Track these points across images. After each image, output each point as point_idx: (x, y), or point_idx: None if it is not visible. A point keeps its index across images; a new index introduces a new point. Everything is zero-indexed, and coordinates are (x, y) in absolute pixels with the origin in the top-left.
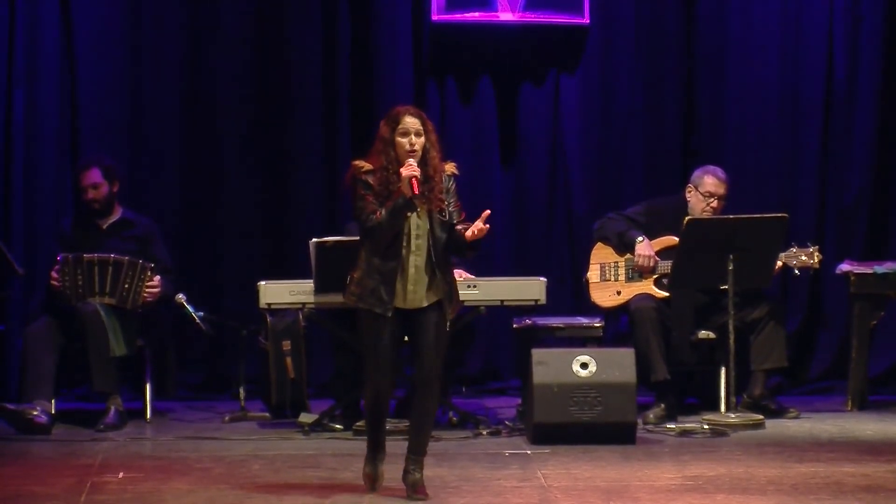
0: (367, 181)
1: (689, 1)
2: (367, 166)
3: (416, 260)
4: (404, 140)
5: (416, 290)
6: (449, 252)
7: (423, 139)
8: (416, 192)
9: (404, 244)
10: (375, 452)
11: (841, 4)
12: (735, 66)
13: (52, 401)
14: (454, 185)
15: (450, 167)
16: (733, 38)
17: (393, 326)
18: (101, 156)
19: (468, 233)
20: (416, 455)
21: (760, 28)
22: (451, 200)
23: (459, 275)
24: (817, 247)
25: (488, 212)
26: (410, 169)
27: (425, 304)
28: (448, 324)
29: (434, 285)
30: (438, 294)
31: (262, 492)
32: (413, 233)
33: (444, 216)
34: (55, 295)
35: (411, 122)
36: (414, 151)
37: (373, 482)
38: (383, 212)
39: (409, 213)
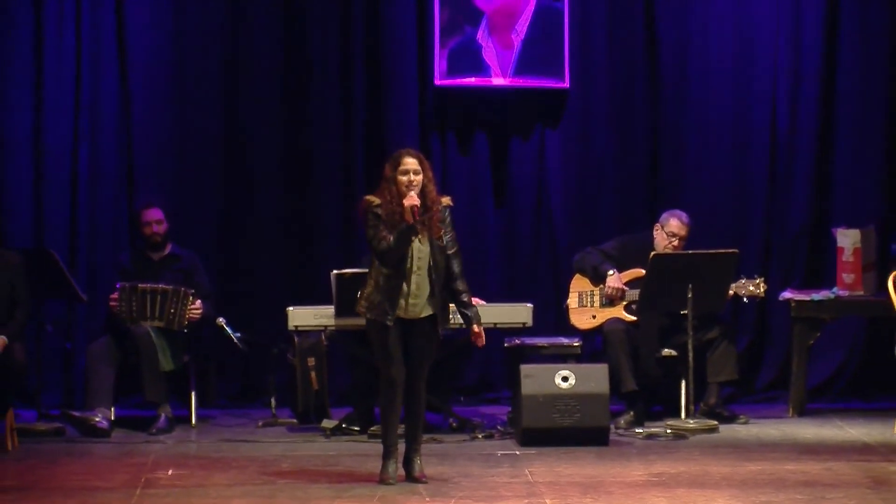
0: (377, 213)
1: (654, 70)
2: (376, 201)
3: (418, 279)
4: (404, 178)
5: (415, 304)
6: (444, 275)
7: (421, 176)
8: (417, 218)
9: (408, 265)
10: (391, 451)
11: (784, 65)
12: (693, 123)
13: (112, 408)
14: (450, 216)
15: (446, 200)
16: (692, 99)
17: (395, 333)
18: (160, 198)
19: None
20: (413, 444)
21: (716, 90)
22: (448, 229)
23: (476, 302)
24: (763, 278)
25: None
26: (411, 200)
27: (423, 315)
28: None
29: (431, 300)
30: (434, 308)
31: (290, 486)
32: (416, 255)
33: (442, 242)
34: (113, 317)
35: (410, 161)
36: (413, 186)
37: (389, 477)
38: (391, 237)
39: (412, 237)
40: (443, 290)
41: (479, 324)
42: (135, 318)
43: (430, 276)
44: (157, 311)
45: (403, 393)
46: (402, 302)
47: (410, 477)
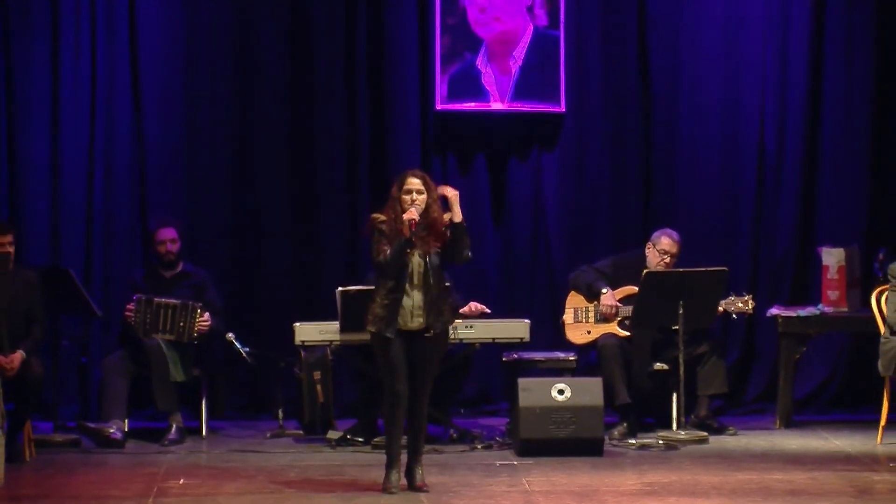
0: (382, 229)
1: (647, 96)
2: (382, 218)
3: (419, 292)
4: (407, 197)
5: (417, 316)
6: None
7: (425, 196)
8: (413, 229)
9: (409, 281)
10: (394, 460)
11: (771, 91)
12: (684, 146)
13: (125, 420)
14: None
15: (447, 217)
16: (683, 123)
17: (398, 346)
18: (173, 218)
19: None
20: (415, 455)
21: (706, 115)
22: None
23: (475, 307)
24: (751, 295)
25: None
26: (409, 214)
27: (425, 326)
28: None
29: (432, 313)
30: (432, 320)
31: (297, 495)
32: (416, 272)
33: (444, 252)
34: (127, 330)
35: (413, 182)
36: (416, 205)
37: (392, 486)
38: (389, 250)
39: (408, 250)
40: (444, 301)
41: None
42: (147, 331)
43: (429, 290)
44: (167, 325)
45: (407, 404)
46: (405, 315)
47: (412, 486)
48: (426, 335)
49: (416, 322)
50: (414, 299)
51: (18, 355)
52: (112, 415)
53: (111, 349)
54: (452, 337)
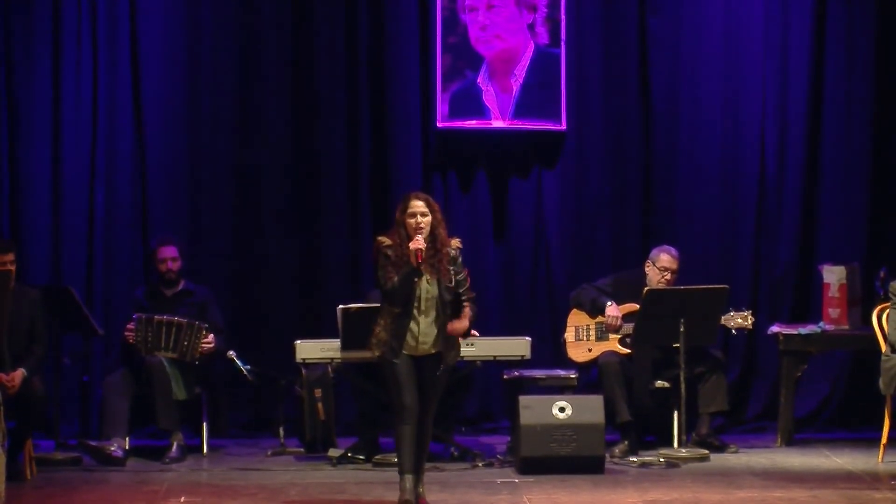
0: (387, 254)
1: (647, 114)
2: (387, 242)
3: (426, 318)
4: (412, 220)
5: (425, 343)
6: (453, 313)
7: (429, 218)
8: (420, 260)
9: (416, 305)
10: (406, 471)
11: (772, 109)
12: (684, 164)
13: (126, 438)
14: (460, 257)
15: (455, 242)
16: (683, 141)
17: (406, 368)
18: (175, 236)
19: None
20: (418, 474)
21: (706, 133)
22: (459, 269)
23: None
24: (751, 311)
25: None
26: (416, 244)
27: (432, 351)
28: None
29: (438, 338)
30: (440, 347)
31: None
32: (424, 297)
33: (451, 283)
34: (128, 348)
35: (417, 204)
36: (421, 228)
37: (408, 496)
38: (396, 278)
39: (416, 279)
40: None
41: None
42: (149, 349)
43: (438, 316)
44: (171, 343)
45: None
46: (412, 341)
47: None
48: (437, 362)
49: (423, 348)
50: (421, 324)
51: (20, 373)
52: (113, 433)
53: (112, 367)
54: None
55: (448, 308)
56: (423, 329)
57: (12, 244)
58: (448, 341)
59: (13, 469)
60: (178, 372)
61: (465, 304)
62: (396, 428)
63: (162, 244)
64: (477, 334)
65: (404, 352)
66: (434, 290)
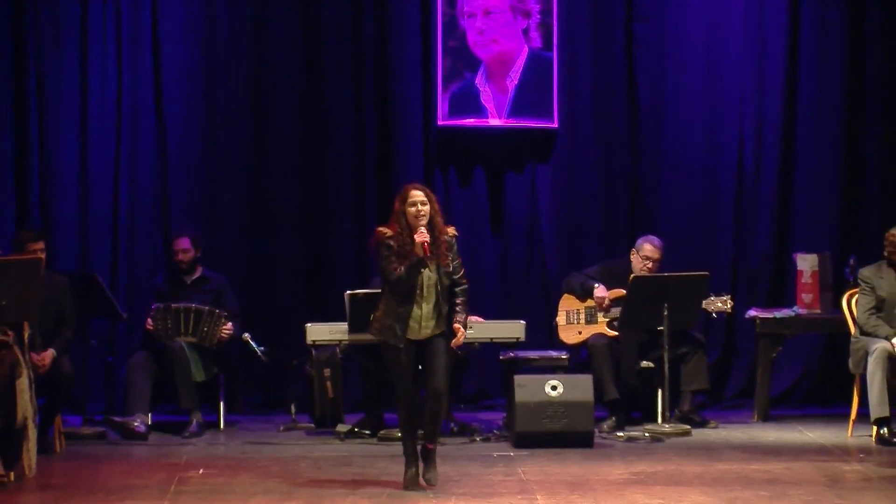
0: (389, 244)
1: (634, 112)
2: (388, 232)
3: (427, 303)
4: (412, 209)
5: (426, 326)
6: (451, 296)
7: (428, 207)
8: (427, 252)
9: (417, 292)
10: (411, 459)
11: (749, 110)
12: (669, 159)
13: (149, 415)
14: (456, 244)
15: (451, 230)
16: (668, 138)
17: (408, 353)
18: (190, 228)
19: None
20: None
21: (689, 130)
22: (454, 255)
23: (476, 320)
24: (729, 296)
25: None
26: (422, 236)
27: (434, 334)
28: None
29: (440, 322)
30: (442, 328)
31: (308, 484)
32: (425, 283)
33: (450, 269)
34: (150, 335)
35: (416, 194)
36: (421, 216)
37: (411, 484)
38: (402, 269)
39: (422, 269)
40: (451, 310)
41: (462, 326)
42: (169, 335)
43: (438, 300)
44: (190, 328)
45: (426, 401)
46: (414, 325)
47: (423, 483)
48: (440, 341)
49: (425, 332)
50: (423, 310)
51: (49, 353)
52: (136, 409)
53: (136, 349)
54: None
55: (446, 293)
56: (426, 314)
57: (43, 233)
58: (450, 328)
59: (43, 442)
60: (197, 355)
61: (460, 308)
62: (399, 415)
63: (176, 236)
64: (481, 319)
65: (409, 336)
66: (434, 276)
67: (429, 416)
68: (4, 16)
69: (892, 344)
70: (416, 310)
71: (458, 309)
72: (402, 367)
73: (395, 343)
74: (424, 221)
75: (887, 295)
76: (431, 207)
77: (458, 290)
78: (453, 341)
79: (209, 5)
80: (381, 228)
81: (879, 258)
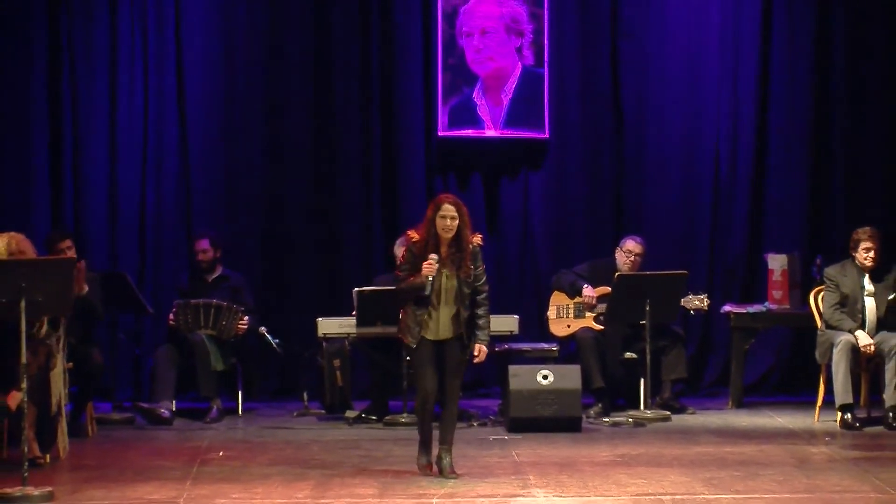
0: (412, 249)
1: (619, 124)
2: (416, 236)
3: (446, 308)
4: (441, 222)
5: (444, 329)
6: (470, 303)
7: (457, 221)
8: (428, 292)
9: (434, 299)
10: (425, 447)
11: (725, 123)
12: (651, 167)
13: (173, 402)
14: (480, 253)
15: (477, 239)
16: (650, 147)
17: (426, 351)
18: (211, 230)
19: (475, 359)
20: (445, 445)
21: (669, 141)
22: (478, 264)
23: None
24: (707, 294)
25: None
26: (429, 269)
27: (450, 336)
28: (466, 353)
29: (458, 325)
30: (460, 330)
31: (319, 465)
32: (443, 290)
33: (471, 278)
34: (172, 330)
35: (448, 209)
36: (449, 229)
37: (425, 469)
38: (409, 282)
39: (423, 293)
40: (468, 315)
41: (484, 345)
42: (190, 329)
43: (457, 307)
44: (210, 322)
45: (439, 401)
46: (433, 327)
47: (443, 474)
48: (458, 344)
49: (444, 334)
50: (441, 314)
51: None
52: (162, 397)
53: (161, 342)
54: None
55: (466, 300)
56: (443, 319)
57: (69, 232)
58: (467, 327)
59: (76, 427)
60: (216, 347)
61: (482, 322)
62: (417, 406)
63: (196, 238)
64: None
65: (428, 336)
66: (453, 284)
67: (444, 419)
68: (41, 40)
69: (855, 336)
70: (433, 313)
71: (480, 323)
72: (423, 363)
73: (410, 342)
74: (451, 235)
75: (850, 291)
76: (461, 220)
77: (479, 298)
78: (475, 360)
79: (228, 32)
80: (410, 232)
81: (844, 257)
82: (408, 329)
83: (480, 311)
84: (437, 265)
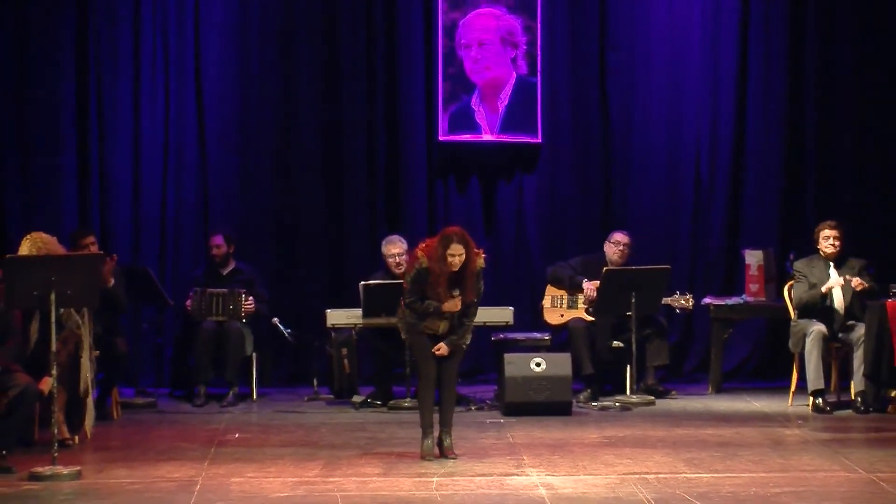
0: (421, 273)
1: (607, 129)
2: (426, 263)
3: (449, 320)
4: (450, 259)
5: (443, 328)
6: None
7: (464, 256)
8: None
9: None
10: (427, 431)
11: (706, 129)
12: (637, 168)
13: (204, 387)
14: (481, 273)
15: (481, 261)
16: (636, 151)
17: (429, 343)
18: (225, 226)
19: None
20: (445, 427)
21: (653, 144)
22: (479, 281)
23: None
24: (691, 295)
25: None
26: (453, 307)
27: (447, 333)
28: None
29: (453, 325)
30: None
31: (328, 446)
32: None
33: (475, 299)
34: (188, 314)
35: (457, 248)
36: (455, 266)
37: (428, 453)
38: (420, 306)
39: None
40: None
41: (449, 346)
42: (203, 315)
43: (455, 317)
44: (219, 308)
45: (438, 387)
46: (434, 327)
47: (443, 454)
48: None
49: (443, 329)
50: (442, 323)
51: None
52: (198, 381)
53: (181, 332)
54: None
55: (462, 311)
56: (442, 326)
57: (90, 229)
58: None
59: (102, 411)
60: (250, 331)
61: (465, 327)
62: (419, 391)
63: (212, 234)
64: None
65: (428, 331)
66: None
67: (444, 404)
68: (68, 49)
69: (828, 287)
70: (435, 321)
71: (459, 330)
72: (425, 353)
73: (415, 335)
74: (459, 266)
75: (818, 281)
76: (468, 254)
77: (469, 310)
78: (437, 352)
79: (244, 43)
80: (420, 253)
81: (814, 252)
82: (409, 325)
83: (465, 320)
84: (459, 301)
